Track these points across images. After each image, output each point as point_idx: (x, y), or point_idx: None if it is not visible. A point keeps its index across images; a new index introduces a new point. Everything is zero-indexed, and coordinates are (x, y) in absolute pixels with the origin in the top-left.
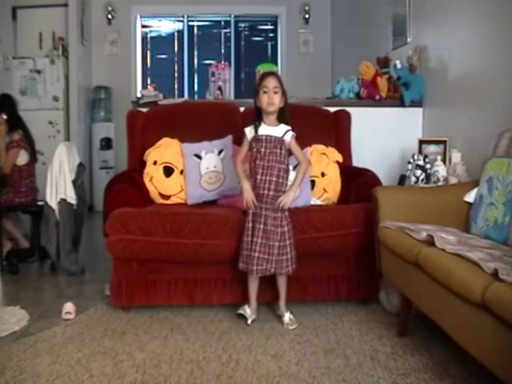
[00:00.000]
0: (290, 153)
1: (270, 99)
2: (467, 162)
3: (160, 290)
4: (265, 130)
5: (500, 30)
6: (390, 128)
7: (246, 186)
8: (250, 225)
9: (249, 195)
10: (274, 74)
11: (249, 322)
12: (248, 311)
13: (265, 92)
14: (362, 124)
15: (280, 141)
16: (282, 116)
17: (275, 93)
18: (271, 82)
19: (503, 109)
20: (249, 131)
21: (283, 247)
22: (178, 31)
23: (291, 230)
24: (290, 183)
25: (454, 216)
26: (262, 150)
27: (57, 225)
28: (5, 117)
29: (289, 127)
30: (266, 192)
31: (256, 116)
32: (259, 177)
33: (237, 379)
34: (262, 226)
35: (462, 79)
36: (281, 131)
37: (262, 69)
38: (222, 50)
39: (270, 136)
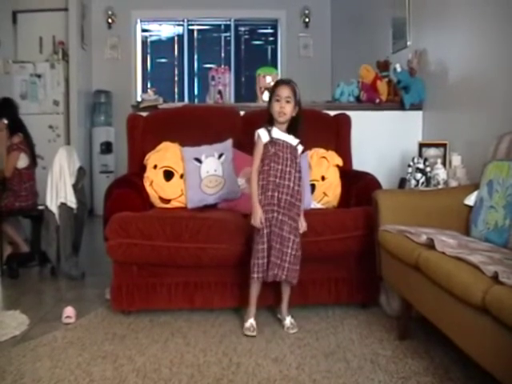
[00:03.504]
0: None
1: (282, 108)
2: (467, 165)
3: (160, 294)
4: (279, 134)
5: (500, 33)
6: (390, 131)
7: (258, 206)
8: (267, 230)
9: (258, 215)
10: (288, 82)
11: (254, 334)
12: (254, 325)
13: (277, 100)
14: (362, 127)
15: (295, 149)
16: (292, 127)
17: (287, 102)
18: (284, 91)
19: (503, 112)
20: (262, 133)
21: (297, 257)
22: (178, 35)
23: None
24: None
25: (455, 219)
26: (281, 153)
27: (57, 229)
28: (5, 122)
29: (298, 140)
30: (283, 197)
31: (267, 120)
32: (278, 180)
33: (237, 383)
34: (277, 231)
35: (462, 82)
36: (294, 141)
37: (262, 72)
38: (222, 54)
39: (287, 142)
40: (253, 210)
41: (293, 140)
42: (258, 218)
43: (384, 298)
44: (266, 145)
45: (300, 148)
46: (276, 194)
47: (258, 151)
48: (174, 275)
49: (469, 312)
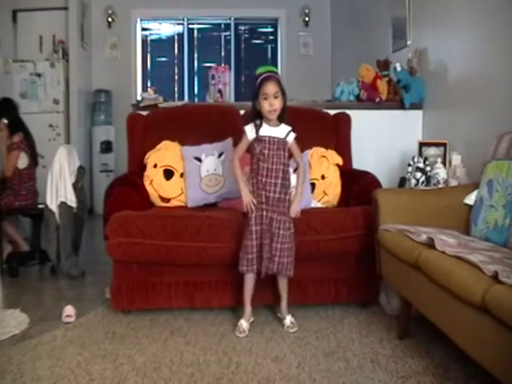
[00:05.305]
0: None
1: (272, 106)
2: (467, 165)
3: (160, 293)
4: (267, 130)
5: (500, 32)
6: (390, 130)
7: (245, 189)
8: (257, 228)
9: (247, 198)
10: (273, 77)
11: (242, 336)
12: (244, 327)
13: (265, 98)
14: (362, 126)
15: (283, 142)
16: (282, 115)
17: (275, 97)
18: (271, 88)
19: (503, 111)
20: (250, 130)
21: (288, 249)
22: (178, 34)
23: (293, 233)
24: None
25: (455, 218)
26: (266, 151)
27: (57, 228)
28: (6, 121)
29: (290, 127)
30: (271, 195)
31: (254, 116)
32: (264, 179)
33: (237, 382)
34: (266, 228)
35: (462, 82)
36: (283, 132)
37: (262, 71)
38: (222, 53)
39: (274, 137)
40: (242, 195)
41: (282, 131)
42: (246, 202)
43: (384, 298)
44: (253, 143)
45: (291, 136)
46: (263, 193)
47: (242, 144)
48: (174, 274)
49: (469, 311)
